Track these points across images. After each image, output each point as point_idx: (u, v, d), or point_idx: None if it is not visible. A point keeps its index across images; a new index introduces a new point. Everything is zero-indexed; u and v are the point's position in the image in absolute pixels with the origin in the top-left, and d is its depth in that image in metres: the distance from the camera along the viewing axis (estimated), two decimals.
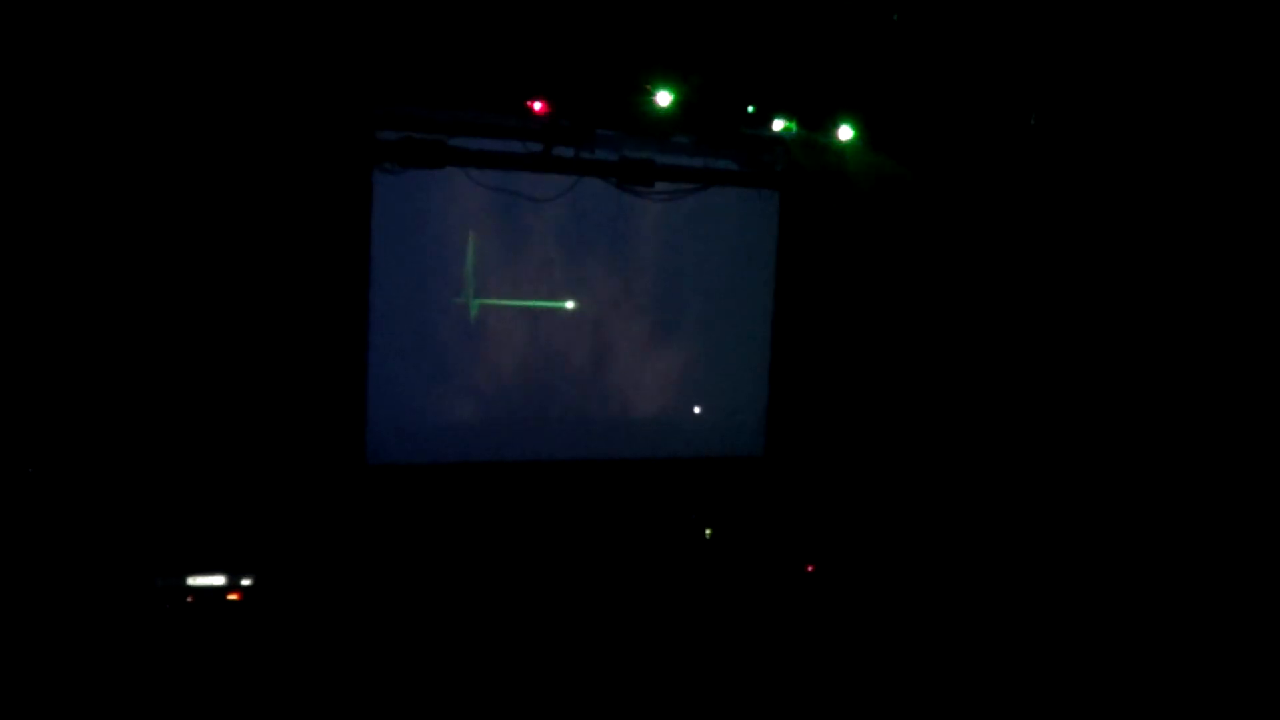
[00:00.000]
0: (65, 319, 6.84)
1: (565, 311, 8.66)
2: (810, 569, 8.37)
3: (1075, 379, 7.73)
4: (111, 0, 6.50)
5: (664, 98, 7.37)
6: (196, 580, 6.68)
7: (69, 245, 6.81)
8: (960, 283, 8.60)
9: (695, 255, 9.04)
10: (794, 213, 9.20)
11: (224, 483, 7.25)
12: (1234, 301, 6.91)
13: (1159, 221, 7.23)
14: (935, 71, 7.63)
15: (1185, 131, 7.01)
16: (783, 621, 7.57)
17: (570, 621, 7.23)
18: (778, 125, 7.93)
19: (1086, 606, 7.14)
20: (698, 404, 9.17)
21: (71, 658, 6.01)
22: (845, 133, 7.70)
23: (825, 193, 8.98)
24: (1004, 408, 8.28)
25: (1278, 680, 5.99)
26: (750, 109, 7.84)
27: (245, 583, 6.79)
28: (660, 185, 8.55)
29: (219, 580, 6.73)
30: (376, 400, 8.00)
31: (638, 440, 8.93)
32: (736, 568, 8.31)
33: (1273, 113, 6.62)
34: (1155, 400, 7.29)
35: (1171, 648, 6.53)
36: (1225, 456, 6.93)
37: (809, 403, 9.32)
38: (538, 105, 7.50)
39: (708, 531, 8.58)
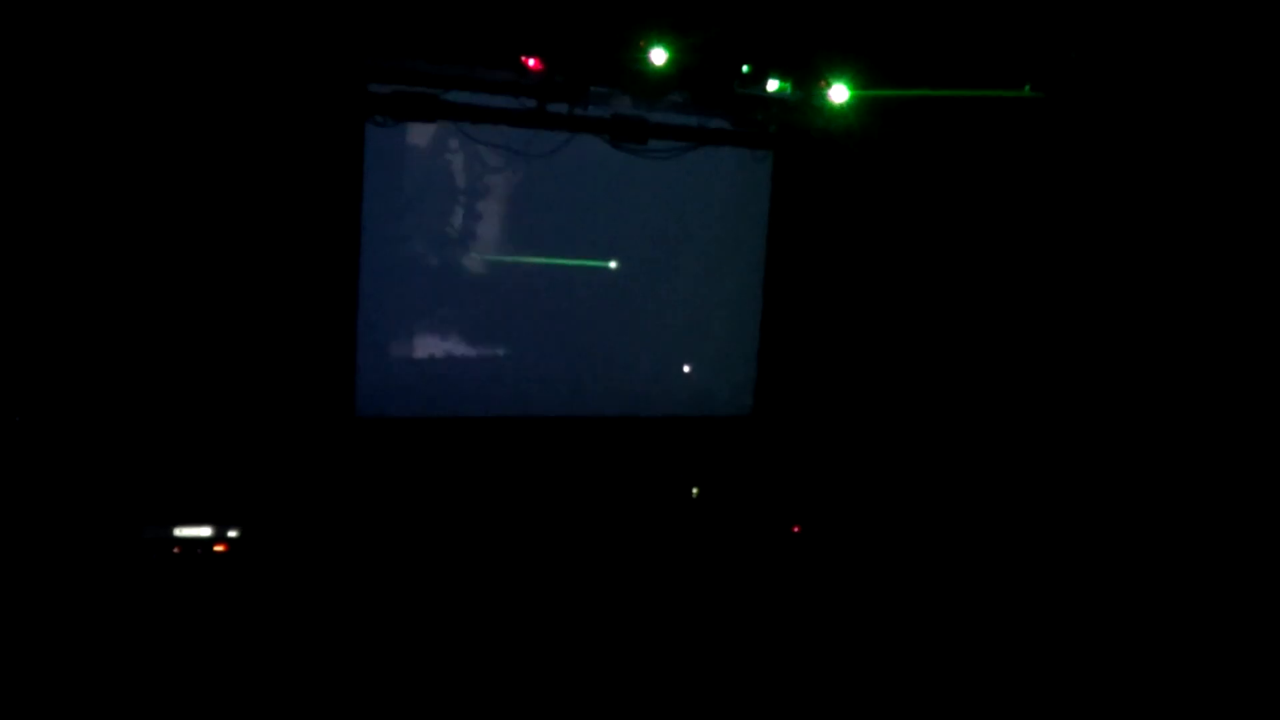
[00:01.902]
0: (51, 271, 6.82)
1: (556, 267, 8.64)
2: (796, 529, 8.44)
3: (1069, 346, 7.72)
4: None
5: (659, 55, 7.30)
6: (183, 531, 6.73)
7: (54, 200, 6.78)
8: (952, 246, 8.58)
9: (688, 214, 9.00)
10: (787, 173, 9.18)
11: (212, 434, 7.28)
12: (1236, 295, 6.80)
13: (1166, 186, 7.13)
14: (933, 33, 7.54)
15: (1205, 108, 6.89)
16: (768, 582, 7.64)
17: (556, 578, 7.30)
18: (772, 85, 7.86)
19: (1069, 566, 7.20)
20: (687, 363, 9.19)
21: (58, 608, 6.06)
22: (840, 94, 7.63)
23: (819, 154, 8.95)
24: (995, 370, 8.28)
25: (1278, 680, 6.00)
26: (745, 68, 7.76)
27: (232, 534, 6.84)
28: (653, 143, 8.49)
29: (206, 531, 6.78)
30: (366, 353, 8.03)
31: (626, 398, 8.95)
32: (723, 527, 8.37)
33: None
34: (1145, 358, 7.26)
35: (1161, 621, 6.59)
36: (1211, 438, 6.91)
37: (798, 363, 9.35)
38: (532, 61, 7.44)
39: (694, 490, 8.63)
